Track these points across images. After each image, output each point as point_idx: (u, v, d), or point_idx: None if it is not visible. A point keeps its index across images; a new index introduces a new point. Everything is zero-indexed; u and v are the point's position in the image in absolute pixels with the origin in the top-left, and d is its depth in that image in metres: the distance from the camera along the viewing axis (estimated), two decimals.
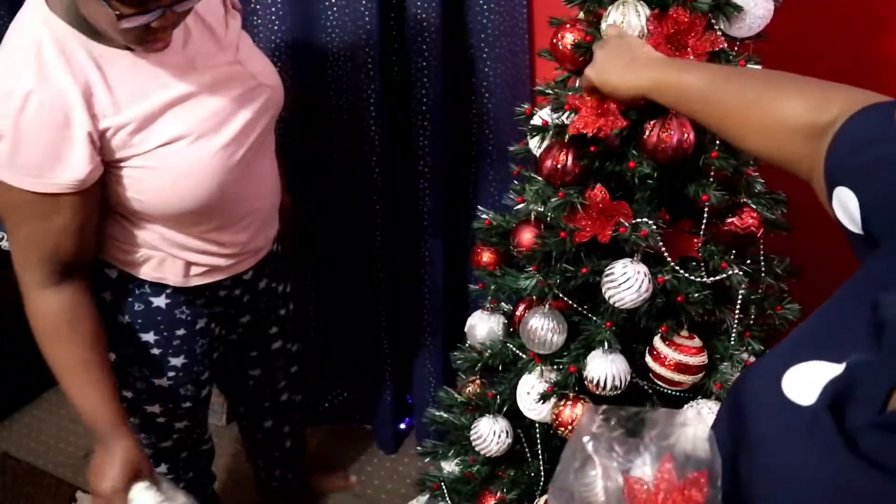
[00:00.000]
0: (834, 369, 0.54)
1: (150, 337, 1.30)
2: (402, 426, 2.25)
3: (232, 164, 1.17)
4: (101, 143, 1.06)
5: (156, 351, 1.32)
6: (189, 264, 1.27)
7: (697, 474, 0.59)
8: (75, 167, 1.04)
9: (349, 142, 1.77)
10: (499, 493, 1.44)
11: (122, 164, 1.09)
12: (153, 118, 1.08)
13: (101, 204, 1.14)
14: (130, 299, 1.27)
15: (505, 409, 1.38)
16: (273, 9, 1.66)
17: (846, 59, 1.47)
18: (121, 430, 1.19)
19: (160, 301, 1.29)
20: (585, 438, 0.63)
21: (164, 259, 1.25)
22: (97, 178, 1.08)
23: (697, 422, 0.62)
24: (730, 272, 1.17)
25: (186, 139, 1.11)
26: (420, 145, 1.75)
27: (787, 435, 0.55)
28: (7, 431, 2.27)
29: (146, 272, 1.25)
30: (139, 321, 1.29)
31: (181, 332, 1.33)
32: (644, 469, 0.61)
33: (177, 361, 1.34)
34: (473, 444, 1.39)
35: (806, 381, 0.55)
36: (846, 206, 0.62)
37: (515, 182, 1.34)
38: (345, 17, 1.65)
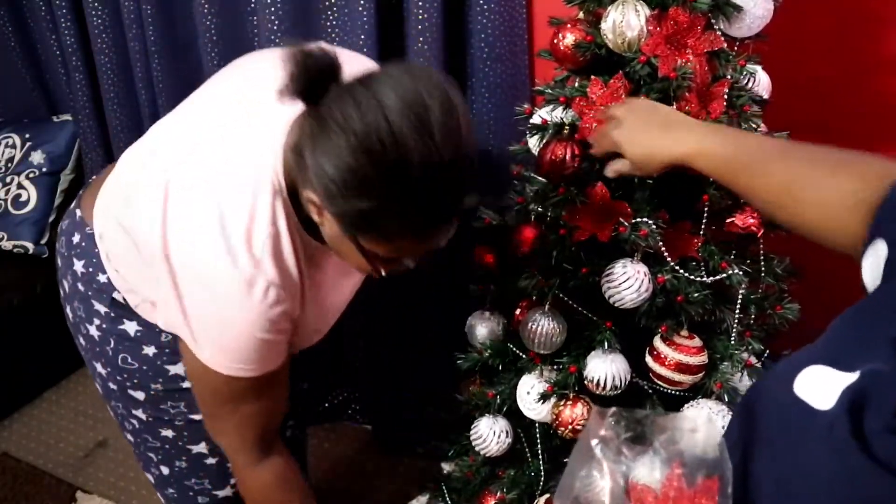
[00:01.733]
0: (848, 378, 0.54)
1: (179, 369, 1.19)
2: (402, 426, 2.25)
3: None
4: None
5: (187, 384, 1.19)
6: None
7: (709, 482, 0.58)
8: (287, 342, 1.06)
9: None
10: (499, 493, 1.44)
11: None
12: (320, 304, 1.10)
13: None
14: (157, 331, 1.17)
15: (505, 409, 1.38)
16: (273, 9, 1.66)
17: (846, 59, 1.47)
18: None
19: None
20: (594, 442, 0.63)
21: None
22: None
23: (708, 427, 0.61)
24: (730, 272, 1.17)
25: (320, 331, 1.16)
26: None
27: (800, 437, 0.55)
28: (7, 431, 2.27)
29: None
30: (167, 351, 1.18)
31: None
32: (654, 474, 0.61)
33: None
34: (473, 444, 1.39)
35: (819, 385, 0.55)
36: (878, 257, 0.61)
37: (515, 182, 1.34)
38: (345, 17, 1.65)
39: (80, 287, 1.19)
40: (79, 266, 1.18)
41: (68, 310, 1.25)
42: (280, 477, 1.16)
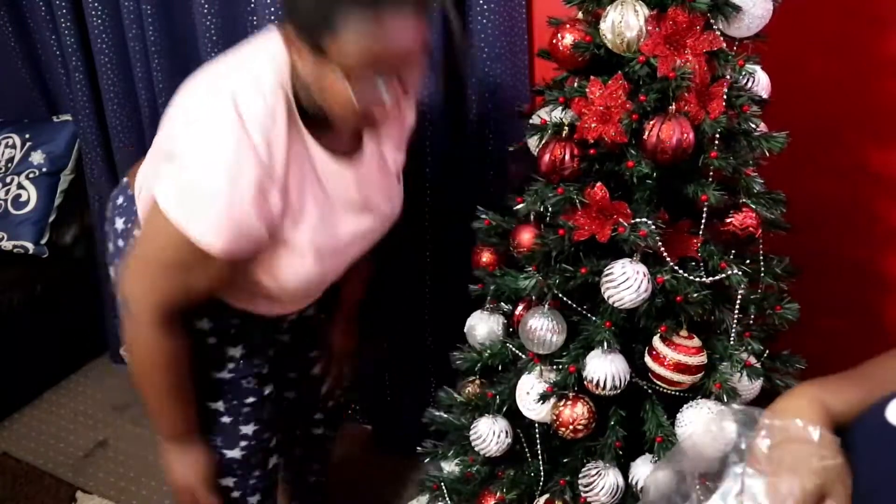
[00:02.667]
0: None
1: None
2: (402, 426, 2.25)
3: (332, 277, 1.29)
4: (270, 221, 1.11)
5: (212, 339, 1.30)
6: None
7: None
8: (260, 241, 1.11)
9: None
10: (498, 494, 1.44)
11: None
12: (301, 218, 1.13)
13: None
14: None
15: (504, 409, 1.37)
16: (273, 8, 1.66)
17: (846, 59, 1.47)
18: (196, 436, 1.30)
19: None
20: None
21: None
22: None
23: None
24: (729, 272, 1.16)
25: (311, 257, 1.16)
26: (419, 145, 1.75)
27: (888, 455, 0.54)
28: (7, 431, 2.27)
29: None
30: None
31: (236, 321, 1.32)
32: None
33: (235, 352, 1.33)
34: (473, 444, 1.39)
35: None
36: None
37: (515, 182, 1.34)
38: None
39: (121, 244, 1.34)
40: (119, 224, 1.34)
41: (111, 271, 1.40)
42: (167, 352, 1.18)
